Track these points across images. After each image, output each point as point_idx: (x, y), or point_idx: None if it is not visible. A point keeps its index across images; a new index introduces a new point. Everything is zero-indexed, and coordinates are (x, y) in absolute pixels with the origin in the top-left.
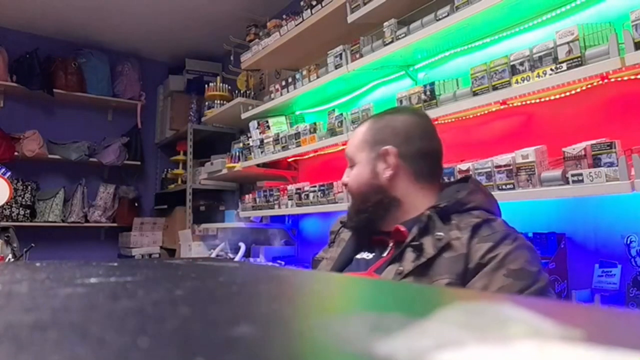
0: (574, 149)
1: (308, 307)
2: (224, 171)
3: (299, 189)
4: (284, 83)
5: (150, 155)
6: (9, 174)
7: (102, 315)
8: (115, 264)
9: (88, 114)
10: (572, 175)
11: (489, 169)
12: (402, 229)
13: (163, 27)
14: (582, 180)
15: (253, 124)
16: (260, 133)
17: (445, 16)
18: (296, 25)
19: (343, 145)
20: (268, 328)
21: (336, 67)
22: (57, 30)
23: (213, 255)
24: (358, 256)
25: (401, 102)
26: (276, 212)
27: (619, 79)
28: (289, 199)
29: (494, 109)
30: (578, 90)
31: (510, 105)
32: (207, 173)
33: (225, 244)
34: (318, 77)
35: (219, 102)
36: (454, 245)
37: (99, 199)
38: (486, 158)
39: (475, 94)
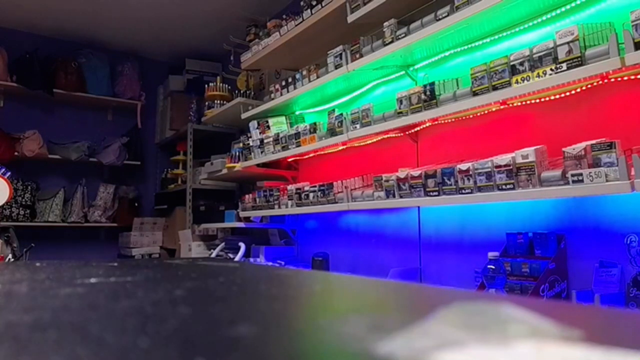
0: (574, 149)
1: (308, 307)
2: (224, 171)
3: (299, 189)
4: (284, 83)
5: (150, 155)
6: (9, 174)
7: (102, 315)
8: (115, 264)
9: (88, 114)
10: (572, 175)
11: (489, 169)
12: None
13: (163, 27)
14: (582, 180)
15: (253, 124)
16: (260, 133)
17: (445, 16)
18: (296, 25)
19: (343, 145)
20: (268, 328)
21: (336, 67)
22: (57, 30)
23: (213, 255)
24: None
25: (401, 102)
26: (276, 212)
27: (619, 79)
28: (289, 199)
29: (494, 109)
30: (578, 90)
31: (510, 105)
32: (207, 173)
33: (225, 244)
34: (318, 77)
35: (219, 102)
36: None
37: (99, 199)
38: (486, 158)
39: (475, 94)
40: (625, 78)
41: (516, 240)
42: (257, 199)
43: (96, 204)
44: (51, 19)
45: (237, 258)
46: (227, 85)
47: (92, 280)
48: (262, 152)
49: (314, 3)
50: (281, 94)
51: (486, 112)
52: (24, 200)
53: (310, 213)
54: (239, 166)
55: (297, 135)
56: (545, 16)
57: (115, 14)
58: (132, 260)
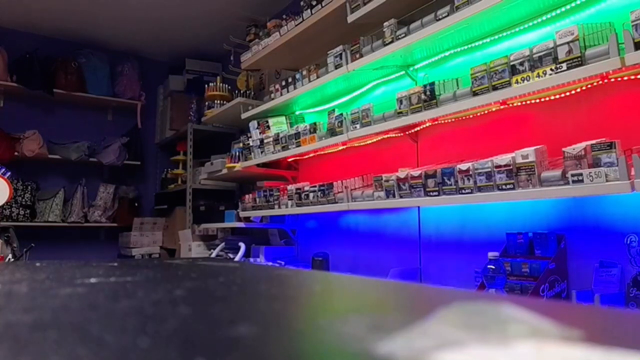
0: (574, 149)
1: (308, 307)
2: (224, 171)
3: (299, 189)
4: (284, 83)
5: (150, 155)
6: (9, 174)
7: (102, 315)
8: (115, 264)
9: (88, 114)
10: (572, 175)
11: (489, 169)
12: None
13: (163, 27)
14: (582, 180)
15: (253, 124)
16: (260, 133)
17: (445, 16)
18: (296, 25)
19: (343, 145)
20: (268, 328)
21: (336, 67)
22: (57, 30)
23: (213, 255)
24: None
25: (401, 102)
26: (276, 212)
27: (619, 79)
28: (289, 199)
29: (494, 109)
30: (578, 90)
31: (510, 105)
32: (207, 173)
33: (225, 244)
34: (318, 77)
35: (219, 102)
36: None
37: (99, 199)
38: (486, 158)
39: (475, 94)
40: (625, 78)
41: (516, 240)
42: (257, 199)
43: (96, 204)
44: (51, 19)
45: (237, 258)
46: (227, 85)
47: (92, 280)
48: (262, 152)
49: (314, 3)
50: (281, 94)
51: (486, 112)
52: (24, 200)
53: (310, 213)
54: (239, 166)
55: (297, 135)
56: (545, 16)
57: (115, 14)
58: (132, 260)
